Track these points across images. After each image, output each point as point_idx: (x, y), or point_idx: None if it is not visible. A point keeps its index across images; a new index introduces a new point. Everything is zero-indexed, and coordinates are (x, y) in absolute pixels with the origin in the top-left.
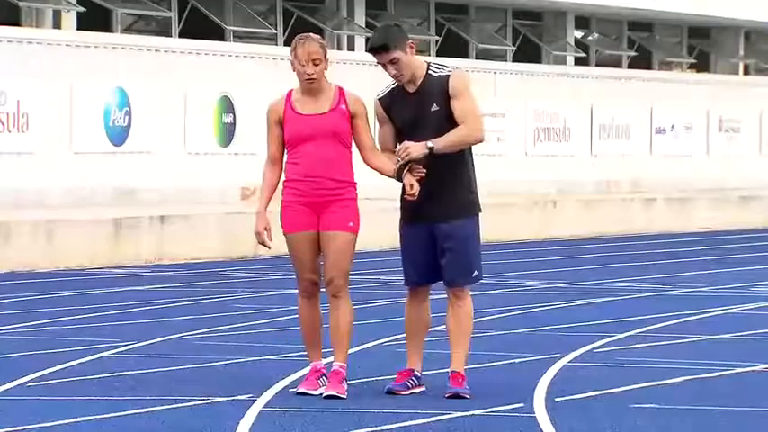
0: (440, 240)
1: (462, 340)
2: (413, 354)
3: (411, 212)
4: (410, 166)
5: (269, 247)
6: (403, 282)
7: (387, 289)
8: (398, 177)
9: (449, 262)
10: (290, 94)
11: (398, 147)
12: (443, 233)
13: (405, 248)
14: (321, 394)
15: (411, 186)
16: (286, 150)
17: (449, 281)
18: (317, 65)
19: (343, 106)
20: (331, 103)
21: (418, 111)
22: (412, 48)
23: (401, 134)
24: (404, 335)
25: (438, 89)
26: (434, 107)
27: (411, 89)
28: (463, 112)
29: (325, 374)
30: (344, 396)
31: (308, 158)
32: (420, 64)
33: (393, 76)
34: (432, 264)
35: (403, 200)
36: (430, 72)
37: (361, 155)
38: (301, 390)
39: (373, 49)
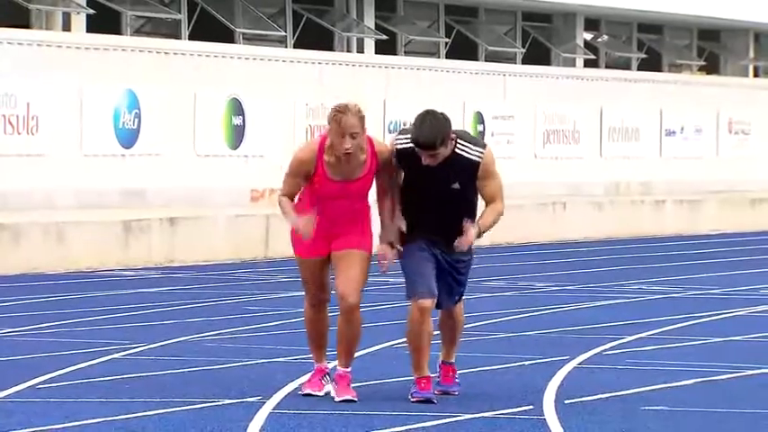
0: (448, 267)
1: (458, 338)
2: (425, 363)
3: (425, 239)
4: (393, 244)
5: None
6: (415, 297)
7: (395, 291)
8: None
9: (451, 291)
10: (321, 150)
11: (456, 246)
12: (454, 263)
13: (418, 261)
14: (328, 393)
15: (384, 255)
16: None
17: (448, 304)
18: (354, 138)
19: (374, 167)
20: (363, 168)
21: (438, 183)
22: (452, 140)
23: (407, 186)
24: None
25: (465, 170)
26: (456, 185)
27: (432, 164)
28: (493, 191)
29: (328, 373)
30: (356, 399)
31: (332, 211)
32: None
33: (425, 162)
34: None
35: (412, 228)
36: (457, 150)
37: (377, 193)
38: (306, 391)
39: (420, 144)
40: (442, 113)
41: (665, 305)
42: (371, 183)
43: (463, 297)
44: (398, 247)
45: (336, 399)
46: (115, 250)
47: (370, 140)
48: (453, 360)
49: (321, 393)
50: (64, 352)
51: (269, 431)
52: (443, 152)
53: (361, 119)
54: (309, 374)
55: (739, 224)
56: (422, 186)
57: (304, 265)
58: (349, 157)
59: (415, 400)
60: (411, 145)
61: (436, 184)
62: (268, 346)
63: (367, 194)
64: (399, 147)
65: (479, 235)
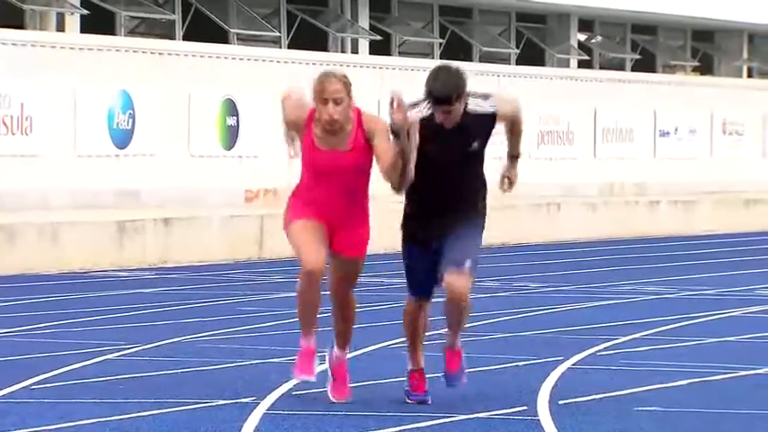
0: (446, 246)
1: (464, 322)
2: (420, 354)
3: (421, 232)
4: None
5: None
6: (411, 298)
7: (390, 291)
8: (398, 134)
9: (447, 246)
10: (311, 119)
11: (505, 184)
12: (451, 236)
13: (413, 269)
14: (327, 393)
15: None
16: (300, 162)
17: (446, 264)
18: (338, 104)
19: (362, 139)
20: (351, 138)
21: (455, 147)
22: (465, 97)
23: (424, 161)
24: (405, 337)
25: (480, 127)
26: (474, 146)
27: (447, 125)
28: (514, 120)
29: (315, 354)
30: (350, 399)
31: (325, 188)
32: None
33: (438, 120)
34: (435, 279)
35: (409, 220)
36: (469, 109)
37: (380, 168)
38: (300, 377)
39: (435, 97)
40: (456, 67)
41: (659, 306)
42: (364, 159)
43: (472, 277)
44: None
45: (332, 399)
46: (109, 251)
47: (358, 111)
48: (459, 346)
49: (314, 378)
50: (58, 352)
51: None
52: (458, 109)
53: (346, 85)
54: (297, 355)
55: (733, 225)
56: (437, 155)
57: (298, 227)
58: (334, 124)
59: (411, 401)
60: (422, 115)
61: (453, 150)
62: (262, 347)
63: (364, 175)
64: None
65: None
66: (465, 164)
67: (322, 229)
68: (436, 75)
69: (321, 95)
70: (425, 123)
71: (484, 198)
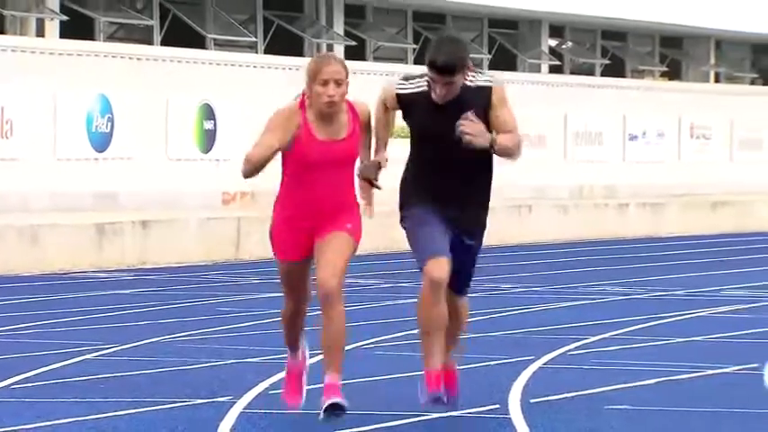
0: (458, 244)
1: (459, 335)
2: (439, 351)
3: (432, 206)
4: (372, 181)
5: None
6: (427, 259)
7: (367, 293)
8: (363, 173)
9: (458, 275)
10: (303, 107)
11: (463, 122)
12: (462, 244)
13: (428, 224)
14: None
15: (366, 193)
16: (282, 165)
17: (457, 290)
18: (339, 85)
19: (358, 128)
20: (347, 126)
21: (449, 123)
22: (469, 69)
23: (417, 139)
24: (380, 338)
25: (476, 102)
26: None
27: (444, 100)
28: (507, 119)
29: (304, 373)
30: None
31: (314, 185)
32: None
33: (436, 95)
34: (446, 240)
35: (416, 187)
36: (466, 82)
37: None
38: (289, 404)
39: (437, 67)
40: (459, 38)
41: (628, 306)
42: (357, 148)
43: (468, 294)
44: (378, 184)
45: (326, 403)
46: (89, 252)
47: (349, 102)
48: (454, 365)
49: (300, 405)
50: (38, 353)
51: (239, 431)
52: (459, 81)
53: (345, 67)
54: (284, 379)
55: (701, 227)
56: (430, 127)
57: (285, 269)
58: (332, 106)
59: (423, 402)
60: (416, 90)
61: (447, 122)
62: (239, 347)
63: (353, 166)
64: (401, 92)
65: (492, 147)
66: (462, 150)
67: (308, 265)
68: (440, 42)
69: (320, 76)
70: (415, 97)
71: (487, 201)
